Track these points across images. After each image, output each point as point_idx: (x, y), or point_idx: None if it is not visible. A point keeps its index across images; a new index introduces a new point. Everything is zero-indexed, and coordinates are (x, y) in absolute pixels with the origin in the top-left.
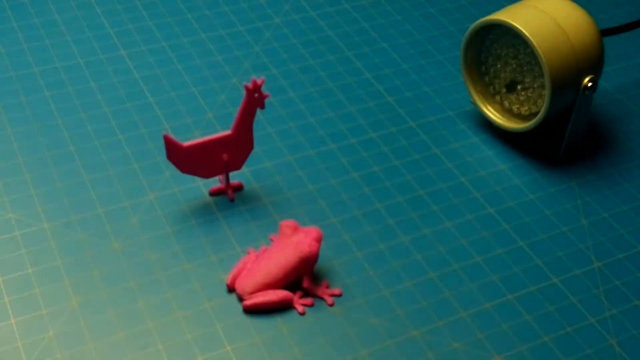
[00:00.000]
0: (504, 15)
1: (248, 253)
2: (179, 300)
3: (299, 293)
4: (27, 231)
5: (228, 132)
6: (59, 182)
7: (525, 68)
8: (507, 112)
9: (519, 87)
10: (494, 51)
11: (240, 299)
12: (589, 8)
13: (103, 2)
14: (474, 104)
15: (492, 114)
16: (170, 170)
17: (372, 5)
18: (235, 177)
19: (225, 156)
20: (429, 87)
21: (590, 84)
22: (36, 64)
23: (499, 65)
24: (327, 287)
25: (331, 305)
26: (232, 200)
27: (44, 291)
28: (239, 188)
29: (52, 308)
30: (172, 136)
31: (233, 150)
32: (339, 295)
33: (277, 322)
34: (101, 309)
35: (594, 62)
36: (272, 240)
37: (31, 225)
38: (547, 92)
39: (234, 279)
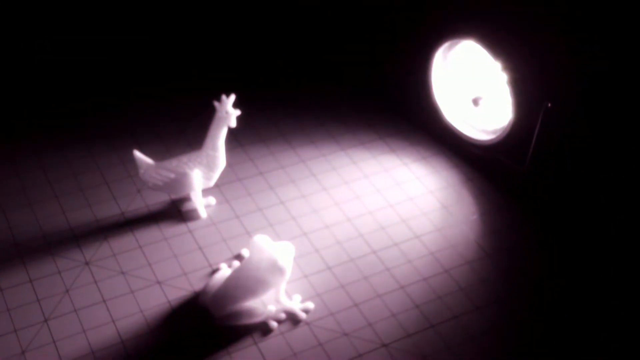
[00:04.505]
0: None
1: (220, 269)
2: (149, 318)
3: (271, 308)
4: None
5: (198, 150)
6: None
7: (489, 83)
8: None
9: (482, 102)
10: (459, 66)
11: (213, 315)
12: None
13: None
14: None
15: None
16: (140, 186)
17: None
18: (207, 193)
19: None
20: None
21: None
22: None
23: (464, 80)
24: (300, 301)
25: (303, 319)
26: (204, 217)
27: None
28: (210, 204)
29: None
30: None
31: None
32: (311, 310)
33: (248, 337)
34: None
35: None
36: (244, 255)
37: None
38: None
39: (206, 296)
